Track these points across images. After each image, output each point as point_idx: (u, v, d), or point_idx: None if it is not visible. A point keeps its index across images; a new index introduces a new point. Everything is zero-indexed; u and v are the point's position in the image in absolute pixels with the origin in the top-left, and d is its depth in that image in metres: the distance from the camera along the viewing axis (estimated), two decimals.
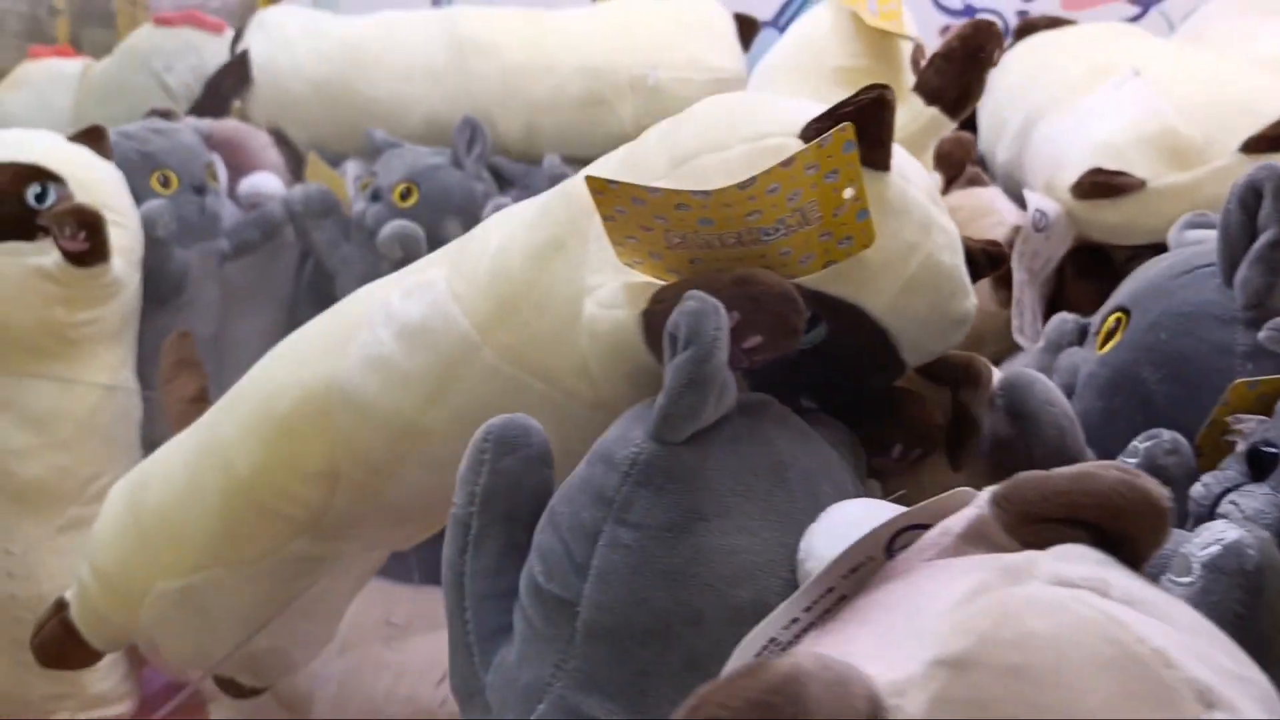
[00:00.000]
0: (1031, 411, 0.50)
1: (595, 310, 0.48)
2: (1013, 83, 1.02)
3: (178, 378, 0.84)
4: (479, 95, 1.20)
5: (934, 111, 0.77)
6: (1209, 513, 0.42)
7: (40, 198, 0.95)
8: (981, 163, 1.04)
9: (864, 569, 0.32)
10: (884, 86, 0.45)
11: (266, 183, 1.20)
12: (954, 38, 0.76)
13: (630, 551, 0.39)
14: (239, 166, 1.24)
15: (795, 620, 0.32)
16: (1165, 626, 0.24)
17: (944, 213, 0.49)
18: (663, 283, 0.47)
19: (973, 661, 0.22)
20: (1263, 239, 0.50)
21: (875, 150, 0.45)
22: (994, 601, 0.24)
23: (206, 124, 1.21)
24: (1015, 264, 0.78)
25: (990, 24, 0.75)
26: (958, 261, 0.49)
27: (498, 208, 1.03)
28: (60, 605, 0.74)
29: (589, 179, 0.44)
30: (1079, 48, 0.98)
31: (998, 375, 0.53)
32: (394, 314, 0.57)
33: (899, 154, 0.48)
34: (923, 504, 0.32)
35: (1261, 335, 0.49)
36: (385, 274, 1.02)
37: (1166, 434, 0.47)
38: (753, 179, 0.42)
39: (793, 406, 0.47)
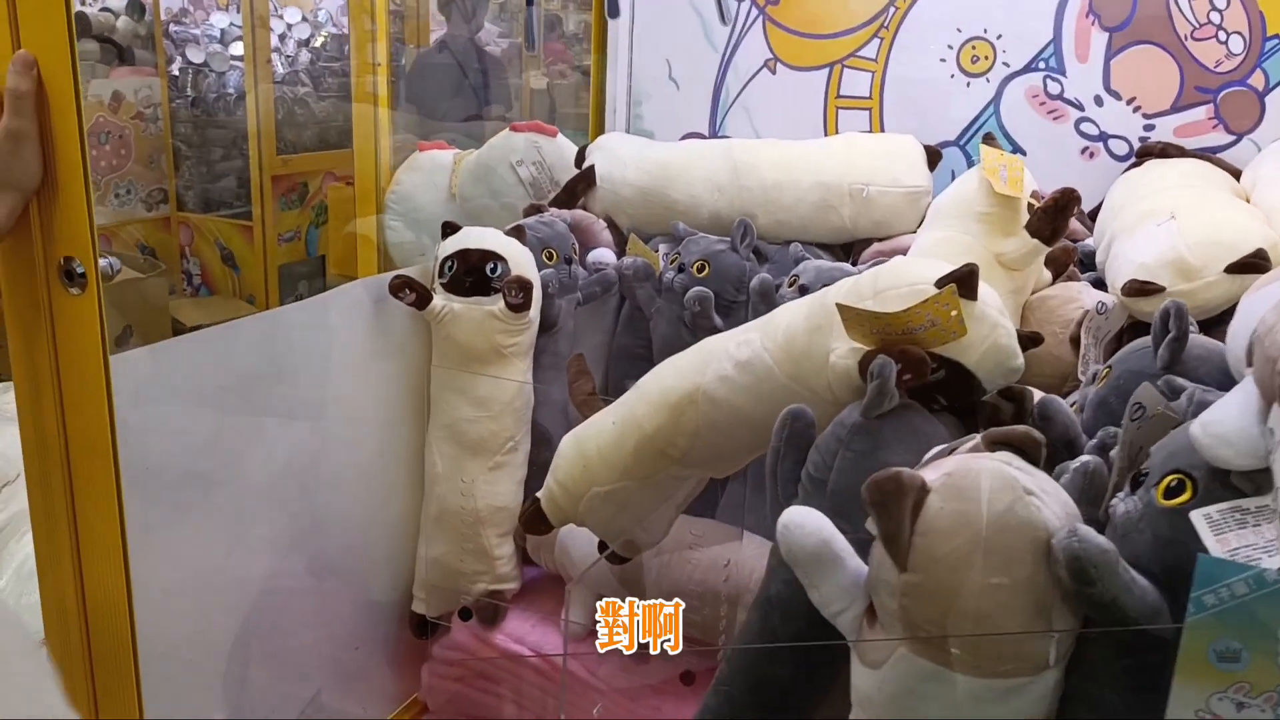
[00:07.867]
0: (1050, 415, 1.03)
1: (836, 360, 1.05)
2: (1115, 204, 1.50)
3: (579, 380, 1.46)
4: (747, 200, 1.76)
5: (1036, 242, 1.31)
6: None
7: (493, 270, 1.60)
8: (1085, 260, 1.53)
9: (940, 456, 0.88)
10: (973, 265, 1.00)
11: (605, 255, 1.82)
12: (1051, 198, 1.29)
13: (850, 459, 0.96)
14: (585, 243, 1.86)
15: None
16: (1028, 475, 0.79)
17: (1004, 316, 1.03)
18: (867, 348, 1.03)
19: (951, 473, 0.78)
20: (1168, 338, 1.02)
21: (968, 290, 1.00)
22: (966, 459, 0.79)
23: (567, 214, 1.83)
24: (1083, 334, 1.29)
25: (1072, 191, 1.28)
26: (1011, 342, 1.03)
27: (760, 281, 1.62)
28: (535, 500, 1.36)
29: (840, 306, 1.00)
30: (1151, 187, 1.46)
31: (1038, 396, 1.06)
32: (732, 355, 1.15)
33: (981, 287, 1.02)
34: (959, 440, 0.86)
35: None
36: (687, 321, 1.63)
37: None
38: (911, 307, 0.97)
39: (929, 407, 1.03)
